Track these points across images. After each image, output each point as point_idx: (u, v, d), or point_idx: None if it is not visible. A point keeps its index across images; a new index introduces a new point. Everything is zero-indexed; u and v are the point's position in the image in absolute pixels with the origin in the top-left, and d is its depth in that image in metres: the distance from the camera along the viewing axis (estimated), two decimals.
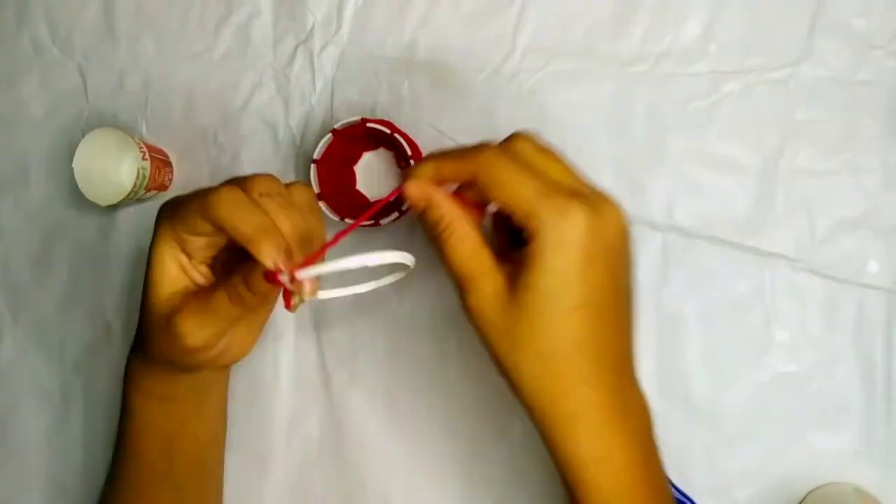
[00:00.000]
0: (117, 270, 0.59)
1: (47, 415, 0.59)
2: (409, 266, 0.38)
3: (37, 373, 0.60)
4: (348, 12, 0.56)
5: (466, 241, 0.36)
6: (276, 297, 0.40)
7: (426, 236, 0.38)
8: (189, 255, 0.40)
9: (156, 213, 0.41)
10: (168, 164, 0.57)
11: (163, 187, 0.57)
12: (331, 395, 0.56)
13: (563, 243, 0.34)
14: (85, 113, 0.59)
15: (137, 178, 0.53)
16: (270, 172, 0.56)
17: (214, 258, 0.41)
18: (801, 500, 0.50)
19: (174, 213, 0.39)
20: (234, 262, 0.41)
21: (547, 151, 0.38)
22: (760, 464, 0.51)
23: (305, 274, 0.35)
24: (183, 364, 0.42)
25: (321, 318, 0.56)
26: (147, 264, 0.40)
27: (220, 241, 0.40)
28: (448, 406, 0.54)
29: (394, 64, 0.55)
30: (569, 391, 0.35)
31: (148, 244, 0.57)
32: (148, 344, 0.42)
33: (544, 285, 0.34)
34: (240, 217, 0.36)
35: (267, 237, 0.35)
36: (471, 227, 0.37)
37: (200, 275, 0.41)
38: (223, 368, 0.47)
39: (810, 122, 0.51)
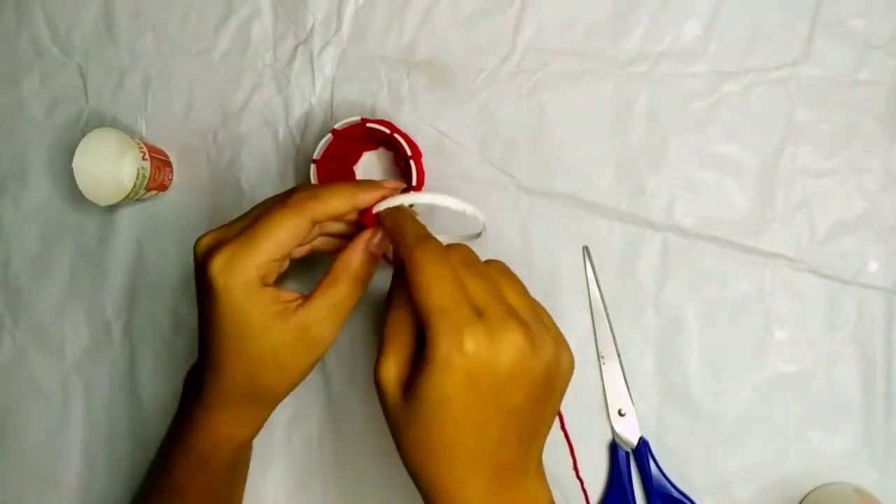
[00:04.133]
0: (117, 270, 0.58)
1: (47, 415, 0.59)
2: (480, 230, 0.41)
3: (37, 373, 0.59)
4: (348, 12, 0.56)
5: (403, 309, 0.38)
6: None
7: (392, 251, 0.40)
8: (269, 281, 0.41)
9: (154, 213, 0.42)
10: (168, 164, 0.57)
11: (163, 187, 0.57)
12: (331, 395, 0.56)
13: (448, 365, 0.35)
14: (85, 113, 0.59)
15: (137, 178, 0.53)
16: (270, 172, 0.57)
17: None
18: (801, 500, 0.50)
19: (254, 248, 0.39)
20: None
21: (478, 266, 0.38)
22: (760, 464, 0.51)
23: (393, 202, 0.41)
24: (293, 385, 0.45)
25: None
26: (229, 312, 0.40)
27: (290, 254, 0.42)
28: None
29: (394, 64, 0.55)
30: (447, 488, 0.37)
31: (147, 243, 0.58)
32: (241, 382, 0.43)
33: (427, 398, 0.35)
34: (330, 199, 0.40)
35: (348, 188, 0.41)
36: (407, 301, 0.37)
37: (285, 293, 0.41)
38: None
39: (810, 122, 0.51)
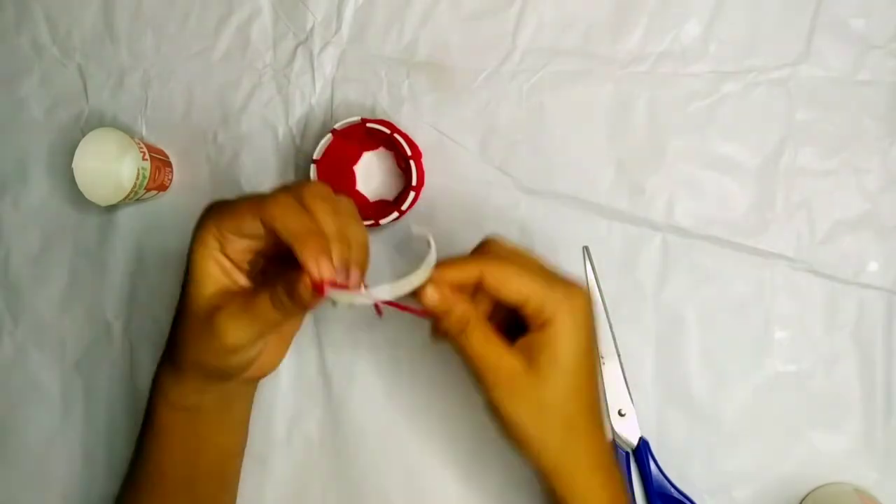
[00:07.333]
0: (117, 270, 0.58)
1: (47, 415, 0.59)
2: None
3: (37, 373, 0.59)
4: (348, 12, 0.56)
5: (487, 334, 0.40)
6: (313, 308, 0.39)
7: (441, 334, 0.41)
8: (228, 258, 0.41)
9: (154, 213, 0.41)
10: (168, 164, 0.57)
11: (163, 187, 0.57)
12: (331, 395, 0.56)
13: (577, 324, 0.40)
14: (85, 113, 0.59)
15: (137, 178, 0.53)
16: (270, 172, 0.57)
17: (251, 263, 0.42)
18: (801, 500, 0.50)
19: (221, 212, 0.40)
20: (270, 271, 0.43)
21: (519, 249, 0.42)
22: (760, 464, 0.51)
23: (341, 298, 0.37)
24: (215, 370, 0.42)
25: (321, 318, 0.56)
26: (188, 264, 0.41)
27: (259, 244, 0.40)
28: (447, 406, 0.54)
29: (394, 64, 0.55)
30: (589, 450, 0.41)
31: (147, 243, 0.58)
32: (181, 348, 0.42)
33: (565, 360, 0.40)
34: (291, 218, 0.38)
35: (313, 239, 0.37)
36: (485, 321, 0.41)
37: (241, 277, 0.42)
38: (251, 382, 0.48)
39: (810, 122, 0.51)
